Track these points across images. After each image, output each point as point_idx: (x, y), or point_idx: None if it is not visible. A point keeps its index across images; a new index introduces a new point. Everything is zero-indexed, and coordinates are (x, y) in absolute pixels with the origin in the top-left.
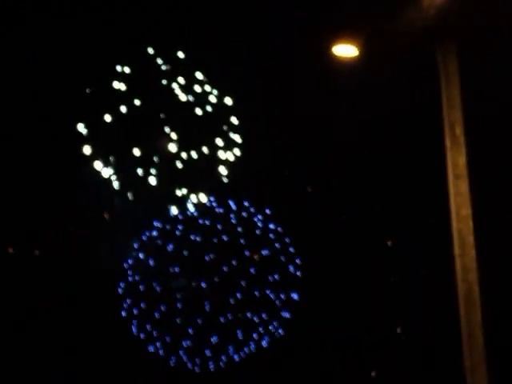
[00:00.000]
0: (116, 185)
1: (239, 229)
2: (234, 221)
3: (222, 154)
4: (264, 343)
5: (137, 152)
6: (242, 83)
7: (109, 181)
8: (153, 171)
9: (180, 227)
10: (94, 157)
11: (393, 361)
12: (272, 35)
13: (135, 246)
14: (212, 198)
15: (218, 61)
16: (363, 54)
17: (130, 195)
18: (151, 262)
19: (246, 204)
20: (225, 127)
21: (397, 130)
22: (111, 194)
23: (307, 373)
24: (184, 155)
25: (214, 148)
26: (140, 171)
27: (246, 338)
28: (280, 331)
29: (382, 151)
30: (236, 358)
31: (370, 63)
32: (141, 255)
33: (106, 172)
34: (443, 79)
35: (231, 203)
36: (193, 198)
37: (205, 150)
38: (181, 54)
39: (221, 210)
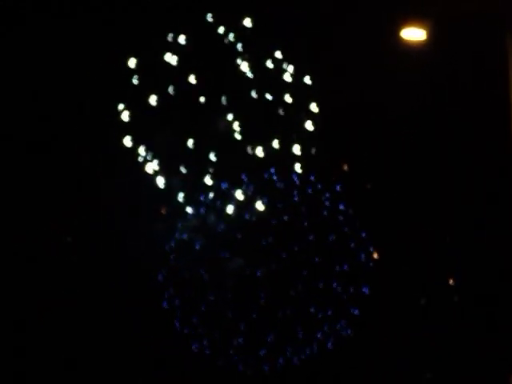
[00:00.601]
0: (162, 183)
1: (303, 208)
2: (296, 199)
3: (297, 150)
4: (329, 344)
5: (190, 144)
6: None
7: (154, 178)
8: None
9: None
10: (136, 150)
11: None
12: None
13: (178, 225)
14: (271, 170)
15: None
16: (431, 38)
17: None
18: (197, 245)
19: (312, 179)
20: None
21: (463, 116)
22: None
23: (377, 378)
24: (249, 150)
25: (289, 142)
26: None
27: (307, 338)
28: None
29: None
30: (295, 360)
31: (438, 47)
32: (185, 236)
33: (151, 167)
34: None
35: (294, 177)
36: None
37: (276, 144)
38: (248, 22)
39: (281, 186)
